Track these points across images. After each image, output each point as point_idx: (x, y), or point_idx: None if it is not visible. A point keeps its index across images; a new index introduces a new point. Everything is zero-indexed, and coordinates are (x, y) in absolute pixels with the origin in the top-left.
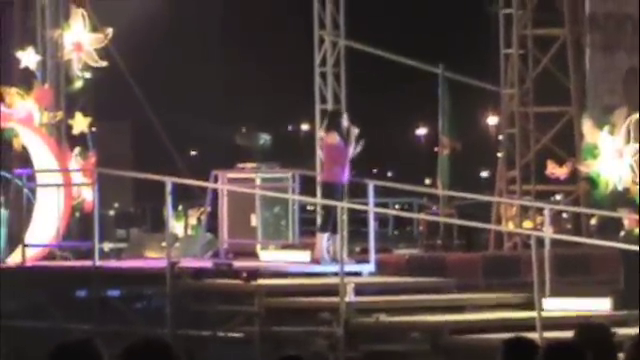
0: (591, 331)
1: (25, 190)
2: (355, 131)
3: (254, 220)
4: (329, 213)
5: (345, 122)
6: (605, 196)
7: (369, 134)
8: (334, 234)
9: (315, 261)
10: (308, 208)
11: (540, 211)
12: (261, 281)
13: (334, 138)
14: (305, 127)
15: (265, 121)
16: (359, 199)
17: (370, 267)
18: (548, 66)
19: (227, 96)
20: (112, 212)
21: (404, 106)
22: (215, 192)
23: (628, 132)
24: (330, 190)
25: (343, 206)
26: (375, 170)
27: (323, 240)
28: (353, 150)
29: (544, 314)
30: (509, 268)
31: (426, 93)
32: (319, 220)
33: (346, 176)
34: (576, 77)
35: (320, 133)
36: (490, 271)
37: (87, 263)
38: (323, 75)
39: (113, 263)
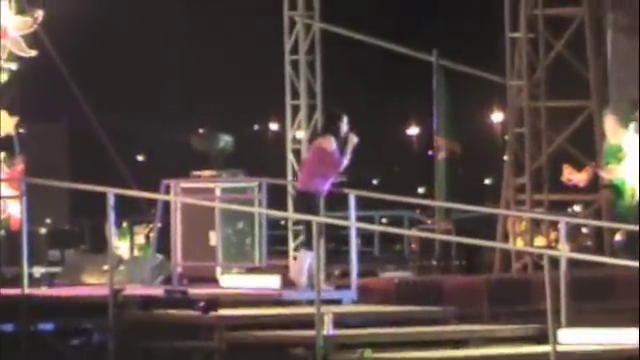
0: None
1: None
2: (354, 140)
3: (213, 239)
4: (310, 228)
5: (345, 127)
6: (631, 207)
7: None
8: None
9: (289, 284)
10: (279, 223)
11: (555, 225)
12: (222, 311)
13: (331, 144)
14: (274, 127)
15: (226, 120)
16: (338, 212)
17: (352, 294)
18: (562, 52)
19: (181, 92)
20: (44, 230)
21: (392, 101)
22: (166, 205)
23: None
24: (308, 201)
25: (319, 221)
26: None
27: (305, 260)
28: (345, 163)
29: (560, 348)
30: (518, 294)
31: (418, 86)
32: (302, 236)
33: (326, 188)
34: (596, 65)
35: (293, 133)
36: (496, 298)
37: (14, 291)
38: (295, 64)
39: (45, 291)
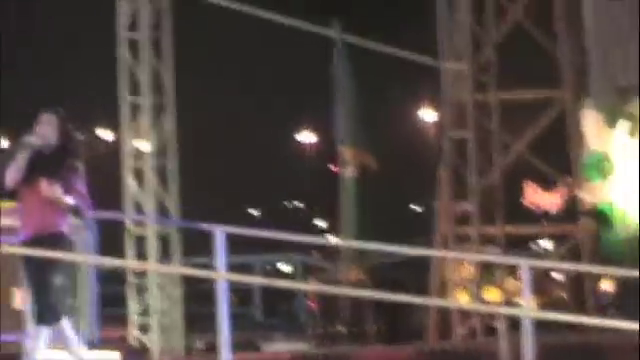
0: None
1: None
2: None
3: (19, 298)
4: (45, 288)
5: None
6: (622, 241)
7: (211, 143)
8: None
9: None
10: (116, 274)
11: (513, 270)
12: None
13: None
14: (105, 135)
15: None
16: (202, 257)
17: None
18: (521, 20)
19: None
20: None
21: (276, 95)
22: None
23: None
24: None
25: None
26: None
27: (37, 339)
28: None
29: None
30: None
31: (311, 71)
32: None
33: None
34: (570, 39)
35: (131, 144)
36: None
37: None
38: (133, 45)
39: None
